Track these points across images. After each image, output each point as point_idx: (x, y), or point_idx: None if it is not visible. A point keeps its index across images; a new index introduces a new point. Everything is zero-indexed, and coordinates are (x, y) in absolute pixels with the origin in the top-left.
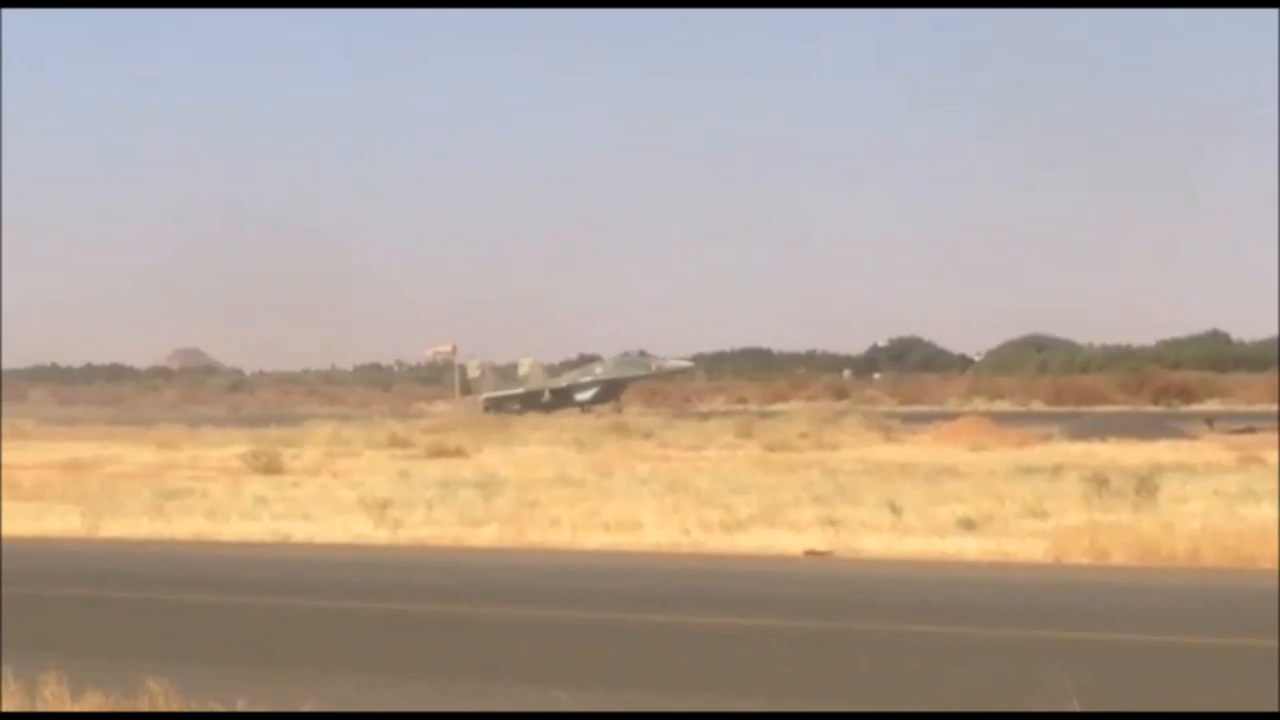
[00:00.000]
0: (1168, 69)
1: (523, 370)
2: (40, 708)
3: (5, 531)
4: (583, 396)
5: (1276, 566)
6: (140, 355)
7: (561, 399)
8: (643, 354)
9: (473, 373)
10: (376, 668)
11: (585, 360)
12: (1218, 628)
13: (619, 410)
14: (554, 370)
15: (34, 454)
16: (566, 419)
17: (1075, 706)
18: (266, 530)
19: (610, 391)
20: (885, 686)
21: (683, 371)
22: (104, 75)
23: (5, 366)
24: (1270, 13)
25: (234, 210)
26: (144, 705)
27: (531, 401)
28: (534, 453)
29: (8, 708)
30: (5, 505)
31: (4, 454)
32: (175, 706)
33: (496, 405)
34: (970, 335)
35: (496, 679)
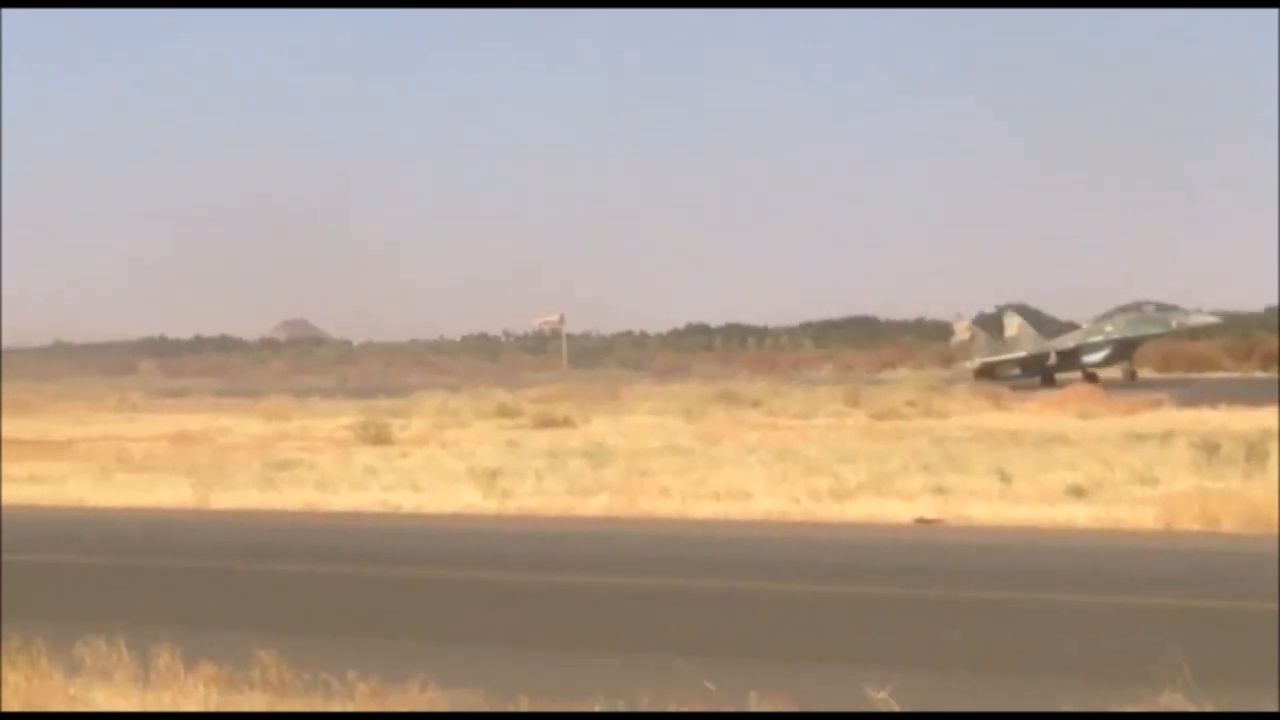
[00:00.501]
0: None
1: (1010, 331)
2: (154, 679)
3: (117, 502)
4: (1092, 358)
5: None
6: (248, 327)
7: (1067, 362)
8: (1160, 308)
9: (960, 335)
10: (488, 637)
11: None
12: None
13: (1132, 375)
14: (1045, 331)
15: (144, 426)
16: (674, 387)
17: (1187, 675)
18: (376, 501)
19: (1122, 352)
20: (998, 654)
21: (1207, 327)
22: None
23: (115, 339)
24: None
25: (337, 188)
26: (255, 676)
27: (1034, 366)
28: (642, 422)
29: (123, 679)
30: (116, 477)
31: (114, 426)
32: (287, 677)
33: (990, 372)
34: (1079, 302)
35: (610, 648)
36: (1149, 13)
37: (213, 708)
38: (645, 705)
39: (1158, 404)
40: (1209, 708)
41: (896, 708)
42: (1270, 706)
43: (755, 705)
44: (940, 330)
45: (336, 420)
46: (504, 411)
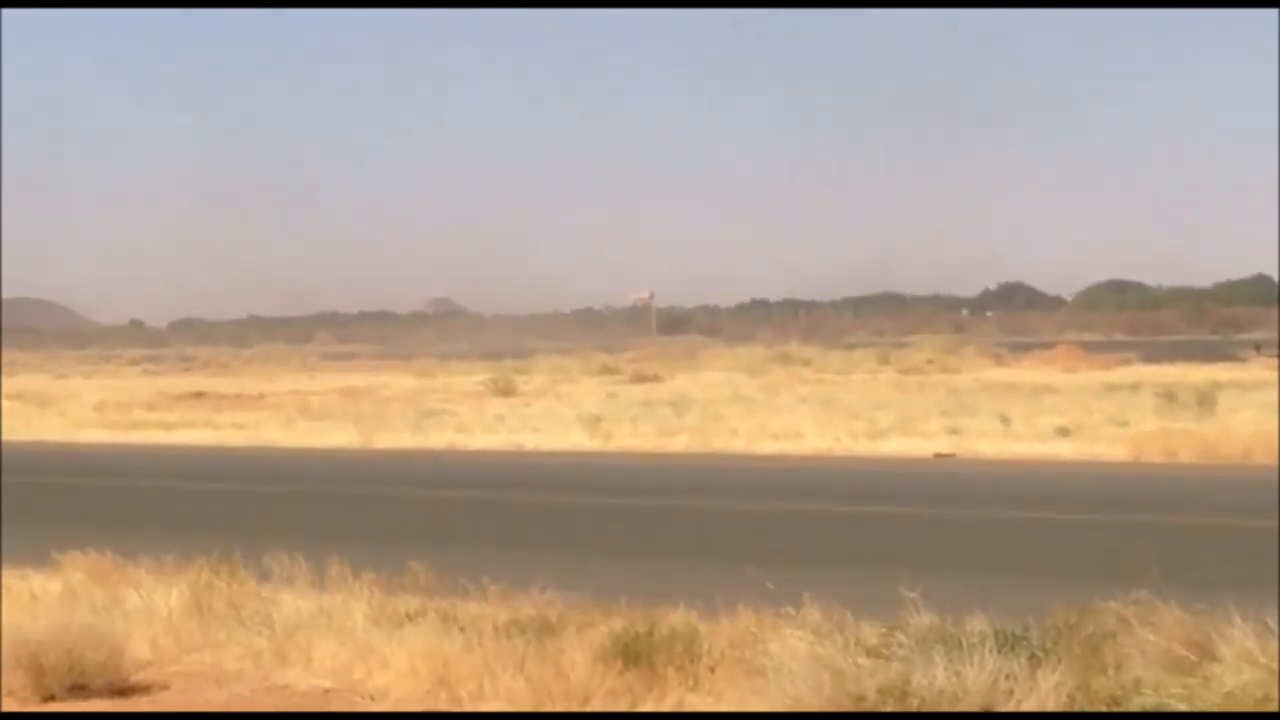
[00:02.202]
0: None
1: None
2: (327, 584)
3: (299, 444)
4: None
5: None
6: (402, 304)
7: None
8: None
9: None
10: (595, 549)
11: None
12: (1269, 513)
13: None
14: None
15: (320, 382)
16: (741, 350)
17: (1155, 575)
18: (504, 441)
19: None
20: (1004, 560)
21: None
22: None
23: (296, 314)
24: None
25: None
26: (409, 584)
27: None
28: (715, 377)
29: (303, 584)
30: (299, 424)
31: (297, 383)
32: (433, 582)
33: None
34: (1064, 280)
35: (692, 557)
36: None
37: (375, 607)
38: (719, 604)
39: (1127, 361)
40: (1173, 602)
41: (925, 606)
42: (1222, 599)
43: (807, 603)
44: (954, 302)
45: (472, 377)
46: (606, 370)
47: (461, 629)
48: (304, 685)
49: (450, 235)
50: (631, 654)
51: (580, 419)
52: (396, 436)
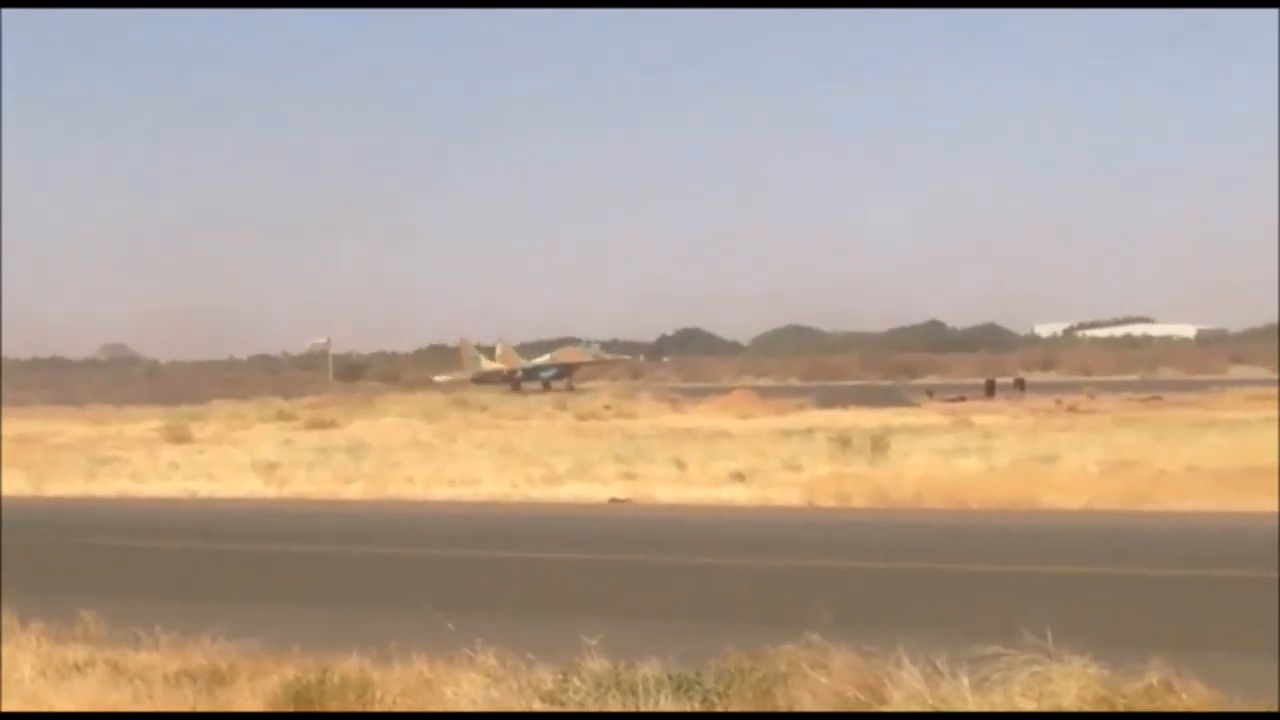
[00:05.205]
0: None
1: (499, 352)
2: None
3: None
4: (546, 374)
5: (981, 508)
6: (76, 349)
7: (529, 376)
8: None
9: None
10: (269, 597)
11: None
12: (939, 556)
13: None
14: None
15: None
16: (419, 395)
17: (827, 619)
18: (178, 488)
19: (563, 373)
20: (681, 605)
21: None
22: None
23: None
24: None
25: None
26: (78, 634)
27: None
28: (393, 424)
29: None
30: None
31: None
32: (103, 634)
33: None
34: (741, 326)
35: (367, 605)
36: None
37: (43, 658)
38: (393, 651)
39: (802, 407)
40: (844, 644)
41: (605, 654)
42: (892, 641)
43: (482, 649)
44: (630, 348)
45: (147, 424)
46: (282, 416)
47: (131, 680)
48: None
49: (127, 279)
50: (304, 702)
51: (255, 466)
52: (68, 484)
